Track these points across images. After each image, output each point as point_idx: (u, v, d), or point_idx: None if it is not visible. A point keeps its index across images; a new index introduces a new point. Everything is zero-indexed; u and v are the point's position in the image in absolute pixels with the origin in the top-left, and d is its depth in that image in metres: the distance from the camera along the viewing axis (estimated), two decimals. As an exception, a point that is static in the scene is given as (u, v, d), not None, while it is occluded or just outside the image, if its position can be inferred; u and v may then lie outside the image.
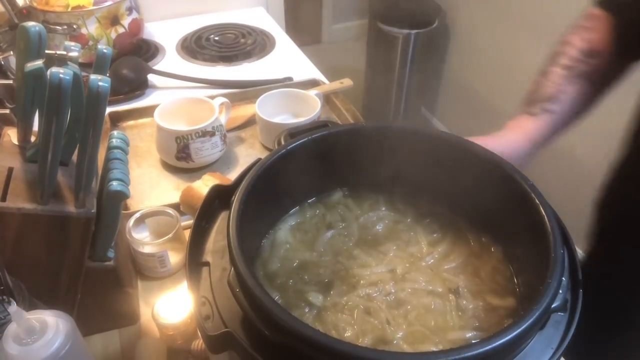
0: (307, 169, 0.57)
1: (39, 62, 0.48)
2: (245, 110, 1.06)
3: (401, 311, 0.49)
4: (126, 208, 0.82)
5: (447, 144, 0.56)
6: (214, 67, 1.29)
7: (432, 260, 0.54)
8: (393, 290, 0.51)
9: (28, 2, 1.13)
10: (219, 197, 0.53)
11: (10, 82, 0.96)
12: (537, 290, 0.41)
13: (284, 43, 1.41)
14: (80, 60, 0.53)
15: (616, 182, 0.79)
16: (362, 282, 0.52)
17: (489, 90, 2.17)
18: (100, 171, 0.59)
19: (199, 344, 0.62)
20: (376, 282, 0.52)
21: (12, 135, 0.57)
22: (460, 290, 0.51)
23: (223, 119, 0.97)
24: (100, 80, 0.47)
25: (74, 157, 0.56)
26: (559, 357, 0.41)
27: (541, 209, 0.47)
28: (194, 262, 0.47)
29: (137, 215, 0.73)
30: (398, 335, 0.47)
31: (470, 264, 0.54)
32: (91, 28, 1.15)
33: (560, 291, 0.42)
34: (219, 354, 0.42)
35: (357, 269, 0.53)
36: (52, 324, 0.46)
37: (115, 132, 0.61)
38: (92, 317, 0.61)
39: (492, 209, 0.54)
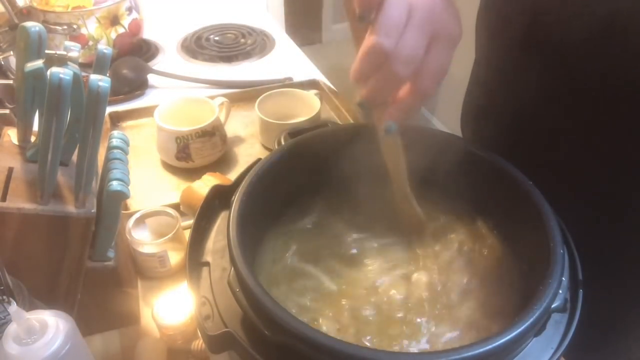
0: (308, 169, 0.57)
1: (39, 62, 0.48)
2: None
3: (401, 311, 0.49)
4: (126, 208, 0.82)
5: (446, 143, 0.56)
6: (214, 67, 1.29)
7: (431, 260, 0.54)
8: (395, 291, 0.51)
9: (28, 2, 1.13)
10: (219, 197, 0.53)
11: (10, 82, 0.96)
12: (537, 290, 0.41)
13: (284, 43, 1.41)
14: (80, 60, 0.53)
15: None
16: (363, 282, 0.52)
17: (489, 90, 2.17)
18: (100, 171, 0.59)
19: (199, 344, 0.62)
20: (379, 283, 0.52)
21: (12, 135, 0.57)
22: (459, 290, 0.51)
23: (223, 119, 0.97)
24: (100, 80, 0.47)
25: (74, 157, 0.56)
26: (559, 357, 0.41)
27: (541, 209, 0.47)
28: (194, 262, 0.47)
29: (137, 215, 0.73)
30: (399, 334, 0.47)
31: (469, 263, 0.54)
32: (91, 28, 1.15)
33: (560, 291, 0.42)
34: (219, 354, 0.42)
35: (358, 268, 0.53)
36: (52, 324, 0.46)
37: (115, 132, 0.61)
38: (92, 317, 0.61)
39: (491, 209, 0.54)
